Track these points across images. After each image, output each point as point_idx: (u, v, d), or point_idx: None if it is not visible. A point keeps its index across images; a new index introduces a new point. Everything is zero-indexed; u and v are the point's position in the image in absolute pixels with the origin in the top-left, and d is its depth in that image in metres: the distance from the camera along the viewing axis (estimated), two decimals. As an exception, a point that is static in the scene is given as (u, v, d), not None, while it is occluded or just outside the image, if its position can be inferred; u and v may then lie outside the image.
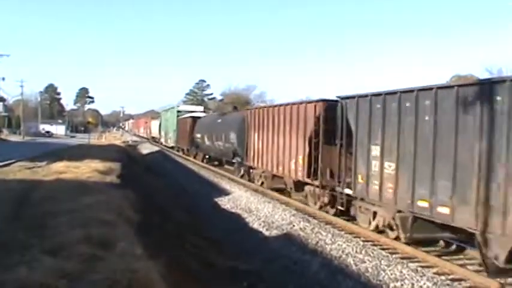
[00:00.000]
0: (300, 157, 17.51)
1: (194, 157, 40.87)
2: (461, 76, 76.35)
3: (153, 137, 74.56)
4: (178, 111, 50.86)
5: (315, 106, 16.90)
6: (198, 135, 37.51)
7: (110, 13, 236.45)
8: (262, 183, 22.60)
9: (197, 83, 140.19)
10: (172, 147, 52.66)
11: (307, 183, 17.46)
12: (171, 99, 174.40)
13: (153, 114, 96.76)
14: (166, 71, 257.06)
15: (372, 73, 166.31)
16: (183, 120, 45.96)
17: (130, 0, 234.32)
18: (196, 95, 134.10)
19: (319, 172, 16.29)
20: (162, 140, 62.02)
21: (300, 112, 18.09)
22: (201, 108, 58.53)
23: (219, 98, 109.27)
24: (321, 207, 16.50)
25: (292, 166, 18.23)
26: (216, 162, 35.92)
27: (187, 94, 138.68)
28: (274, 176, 20.94)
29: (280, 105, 21.00)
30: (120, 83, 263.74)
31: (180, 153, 47.02)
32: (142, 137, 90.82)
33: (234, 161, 28.26)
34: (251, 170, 24.53)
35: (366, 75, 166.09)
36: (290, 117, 18.89)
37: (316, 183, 16.50)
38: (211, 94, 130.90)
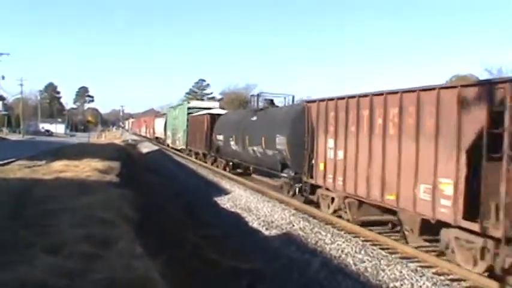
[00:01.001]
0: (446, 180, 10.42)
1: (212, 164, 33.83)
2: (461, 76, 76.53)
3: (157, 138, 68.53)
4: (189, 108, 43.53)
5: (483, 90, 9.79)
6: (220, 137, 30.45)
7: (110, 12, 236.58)
8: (336, 211, 15.75)
9: (197, 83, 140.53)
10: (181, 150, 45.51)
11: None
12: (170, 99, 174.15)
13: (154, 113, 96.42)
14: (166, 71, 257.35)
15: (372, 73, 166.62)
16: (196, 118, 38.91)
17: (130, 0, 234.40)
18: (196, 95, 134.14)
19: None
20: (169, 141, 53.98)
21: (442, 103, 10.72)
22: (217, 104, 50.90)
23: (219, 97, 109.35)
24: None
25: (421, 195, 11.18)
26: (239, 170, 29.43)
27: (187, 93, 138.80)
28: (362, 203, 14.33)
29: (389, 92, 12.88)
30: (119, 83, 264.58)
31: (192, 158, 39.71)
32: (145, 137, 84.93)
33: (283, 174, 20.55)
34: (318, 190, 16.90)
35: (365, 75, 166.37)
36: (417, 112, 11.49)
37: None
38: (211, 93, 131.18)
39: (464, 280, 9.77)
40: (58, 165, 19.40)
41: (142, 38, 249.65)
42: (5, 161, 22.45)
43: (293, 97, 27.33)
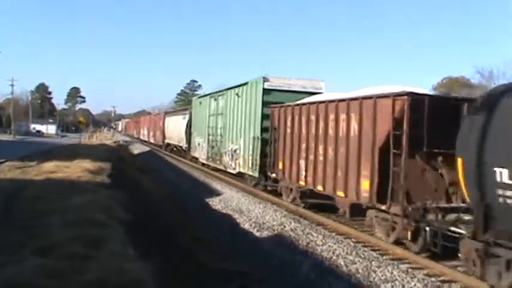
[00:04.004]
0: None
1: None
2: (453, 78, 76.75)
3: (168, 144, 48.30)
4: (268, 91, 21.06)
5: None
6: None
7: (101, 13, 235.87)
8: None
9: (188, 83, 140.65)
10: (245, 177, 23.35)
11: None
12: (162, 100, 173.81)
13: (146, 114, 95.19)
14: (157, 72, 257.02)
15: (365, 72, 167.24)
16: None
17: (121, 1, 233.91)
18: (188, 96, 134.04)
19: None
20: (199, 153, 32.62)
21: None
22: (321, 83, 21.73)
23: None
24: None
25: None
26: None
27: (178, 94, 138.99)
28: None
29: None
30: (111, 84, 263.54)
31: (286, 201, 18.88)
32: (146, 143, 66.04)
33: None
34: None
35: (359, 74, 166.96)
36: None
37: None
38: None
39: (455, 282, 9.79)
40: (49, 166, 19.34)
41: (133, 39, 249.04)
42: (-5, 162, 22.31)
43: None
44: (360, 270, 10.70)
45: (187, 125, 37.60)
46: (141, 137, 74.43)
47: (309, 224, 14.78)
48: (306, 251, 12.55)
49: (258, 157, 20.69)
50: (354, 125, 13.76)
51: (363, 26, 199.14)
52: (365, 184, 13.04)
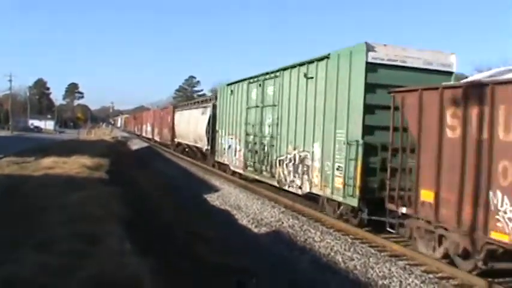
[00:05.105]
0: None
1: None
2: (451, 75, 76.51)
3: (179, 144, 41.60)
4: (371, 66, 13.16)
5: None
6: None
7: (100, 9, 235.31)
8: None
9: (187, 80, 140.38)
10: (340, 203, 14.37)
11: None
12: (160, 96, 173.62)
13: (144, 110, 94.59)
14: (155, 68, 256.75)
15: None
16: None
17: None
18: (186, 92, 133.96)
19: None
20: (228, 158, 25.20)
21: None
22: (452, 57, 14.09)
23: (209, 94, 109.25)
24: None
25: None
26: None
27: (177, 90, 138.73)
28: None
29: None
30: (109, 80, 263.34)
31: None
32: (147, 140, 61.35)
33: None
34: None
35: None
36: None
37: None
38: (202, 90, 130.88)
39: (453, 278, 9.82)
40: (47, 161, 19.33)
41: (132, 35, 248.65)
42: (-6, 158, 22.29)
43: None
44: (358, 267, 10.72)
45: (208, 122, 29.96)
46: (144, 134, 68.00)
47: (307, 221, 14.79)
48: (304, 247, 12.57)
49: (359, 175, 13.03)
50: None
51: (364, 20, 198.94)
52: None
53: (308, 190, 15.91)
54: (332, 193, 14.30)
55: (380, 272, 10.26)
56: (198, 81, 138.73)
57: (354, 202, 13.23)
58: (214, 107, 29.53)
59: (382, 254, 11.39)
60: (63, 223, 7.72)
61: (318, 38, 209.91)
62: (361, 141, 12.96)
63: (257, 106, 20.73)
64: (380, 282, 9.90)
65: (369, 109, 13.01)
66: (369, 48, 13.11)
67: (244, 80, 22.76)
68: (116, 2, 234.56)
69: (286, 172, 17.60)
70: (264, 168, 19.86)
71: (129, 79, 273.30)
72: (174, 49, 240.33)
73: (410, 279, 9.68)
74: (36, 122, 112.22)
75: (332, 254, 11.72)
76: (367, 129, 13.03)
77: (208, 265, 10.71)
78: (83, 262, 5.78)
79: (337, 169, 13.98)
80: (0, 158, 22.77)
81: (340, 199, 13.93)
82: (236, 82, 24.39)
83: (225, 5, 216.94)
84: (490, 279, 9.42)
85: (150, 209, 15.13)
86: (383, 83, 12.83)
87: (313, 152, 15.45)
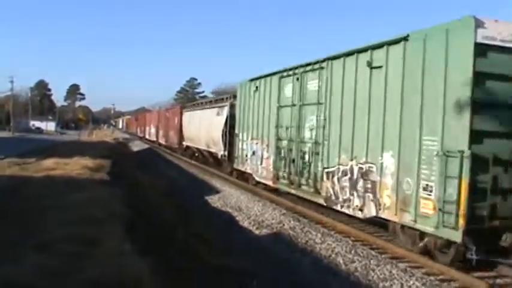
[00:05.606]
0: None
1: None
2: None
3: (188, 147, 38.31)
4: (481, 48, 9.58)
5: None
6: None
7: (100, 10, 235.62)
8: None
9: (188, 81, 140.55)
10: (432, 236, 10.71)
11: None
12: (161, 98, 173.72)
13: (145, 111, 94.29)
14: (156, 69, 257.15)
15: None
16: None
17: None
18: (188, 93, 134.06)
19: None
20: (258, 167, 21.06)
21: None
22: None
23: (210, 96, 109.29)
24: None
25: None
26: None
27: (178, 92, 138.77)
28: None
29: None
30: (111, 81, 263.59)
31: None
32: (154, 144, 57.37)
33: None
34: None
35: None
36: None
37: None
38: (203, 92, 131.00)
39: (454, 280, 9.80)
40: (48, 163, 19.35)
41: (133, 36, 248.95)
42: (-5, 159, 22.31)
43: None
44: (359, 269, 10.70)
45: (225, 123, 26.56)
46: (147, 137, 63.71)
47: (308, 223, 14.78)
48: (305, 249, 12.56)
49: (463, 198, 9.49)
50: None
51: (356, 24, 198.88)
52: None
53: (374, 214, 12.42)
54: (415, 220, 10.74)
55: (381, 274, 10.24)
56: (200, 83, 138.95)
57: (456, 236, 9.62)
58: (232, 106, 26.02)
59: (383, 256, 11.38)
60: (64, 224, 7.72)
61: (328, 39, 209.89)
62: (467, 152, 9.44)
63: (293, 105, 17.19)
64: (381, 284, 9.88)
65: (478, 108, 9.63)
66: (478, 24, 9.59)
67: (275, 73, 19.11)
68: (116, 1, 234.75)
69: (337, 188, 14.20)
70: (303, 181, 16.40)
71: (130, 81, 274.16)
72: (175, 51, 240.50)
73: (411, 282, 9.66)
74: (37, 123, 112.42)
75: (333, 255, 11.70)
76: (476, 136, 9.62)
77: (209, 266, 10.69)
78: (84, 264, 5.77)
79: (424, 189, 10.42)
80: (1, 158, 22.78)
81: (430, 230, 10.33)
82: (262, 77, 20.66)
83: (226, 6, 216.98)
84: (491, 282, 9.43)
85: (151, 209, 15.11)
86: (496, 72, 9.75)
87: (382, 164, 11.97)
